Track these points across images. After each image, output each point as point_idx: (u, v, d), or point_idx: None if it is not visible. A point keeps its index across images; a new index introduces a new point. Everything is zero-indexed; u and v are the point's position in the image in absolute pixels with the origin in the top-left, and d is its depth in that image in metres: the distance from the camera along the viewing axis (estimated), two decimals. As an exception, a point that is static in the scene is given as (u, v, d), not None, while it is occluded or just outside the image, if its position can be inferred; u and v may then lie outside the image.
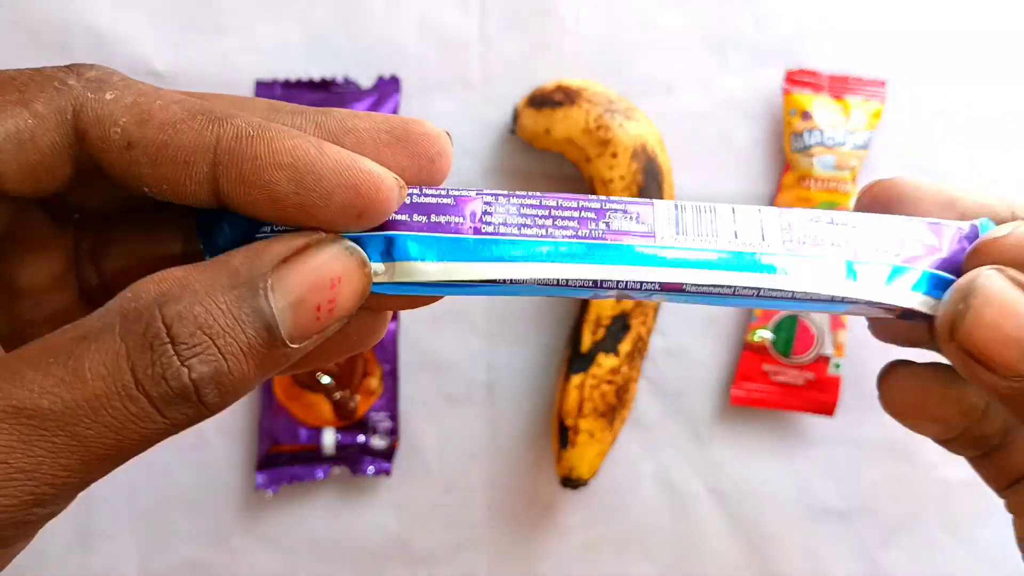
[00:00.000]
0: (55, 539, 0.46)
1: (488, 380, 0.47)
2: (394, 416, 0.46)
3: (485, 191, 0.20)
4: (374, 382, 0.46)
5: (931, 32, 0.48)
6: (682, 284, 0.20)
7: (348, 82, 0.45)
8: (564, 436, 0.44)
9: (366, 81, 0.46)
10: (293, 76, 0.45)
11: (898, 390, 0.22)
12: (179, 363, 0.16)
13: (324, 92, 0.45)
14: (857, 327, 0.47)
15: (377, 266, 0.19)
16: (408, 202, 0.19)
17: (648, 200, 0.21)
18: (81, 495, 0.49)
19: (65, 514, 0.50)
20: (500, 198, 0.20)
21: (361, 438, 0.46)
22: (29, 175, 0.17)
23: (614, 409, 0.45)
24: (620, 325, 0.44)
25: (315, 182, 0.17)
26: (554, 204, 0.20)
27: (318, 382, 0.45)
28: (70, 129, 0.17)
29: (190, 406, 0.16)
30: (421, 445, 0.47)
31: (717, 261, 0.20)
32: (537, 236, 0.20)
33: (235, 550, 0.47)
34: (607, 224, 0.20)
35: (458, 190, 0.20)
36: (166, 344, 0.16)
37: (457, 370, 0.47)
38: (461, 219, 0.20)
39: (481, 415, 0.47)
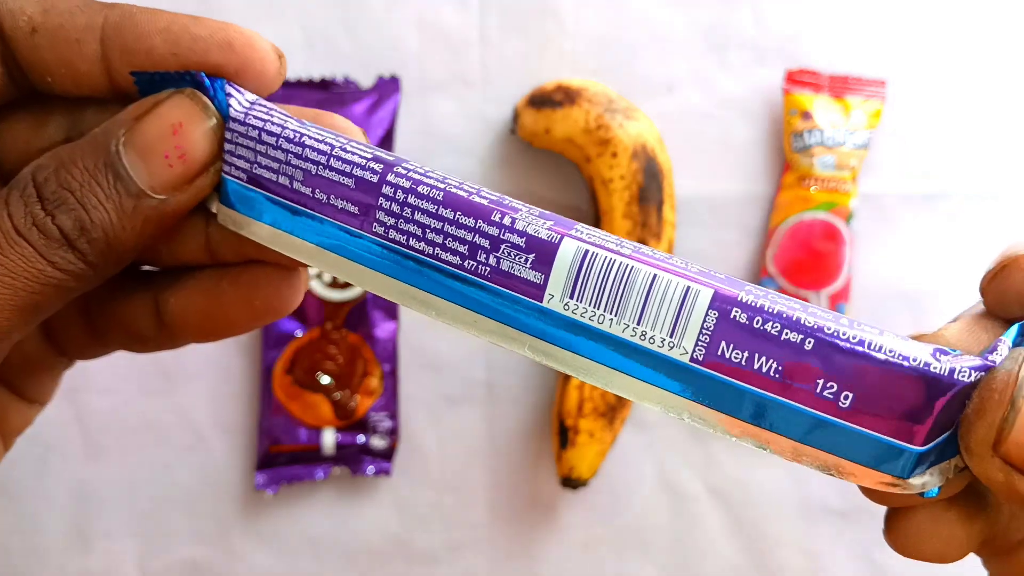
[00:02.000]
0: (55, 539, 0.46)
1: (488, 379, 0.47)
2: (394, 416, 0.46)
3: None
4: (374, 382, 0.46)
5: (931, 32, 0.48)
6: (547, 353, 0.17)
7: (348, 82, 0.45)
8: (564, 436, 0.44)
9: (366, 81, 0.46)
10: (293, 76, 0.45)
11: (911, 534, 0.19)
12: (43, 213, 0.18)
13: (324, 92, 0.45)
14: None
15: (217, 205, 0.20)
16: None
17: (557, 235, 0.17)
18: (81, 495, 0.49)
19: (65, 514, 0.50)
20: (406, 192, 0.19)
21: (361, 438, 0.46)
22: None
23: (614, 409, 0.45)
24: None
25: (191, 42, 0.19)
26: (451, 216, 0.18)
27: (318, 382, 0.45)
28: None
29: (68, 251, 0.19)
30: (421, 445, 0.47)
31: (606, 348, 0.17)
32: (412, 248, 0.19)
33: (235, 550, 0.47)
34: (495, 261, 0.18)
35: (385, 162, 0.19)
36: (35, 200, 0.18)
37: (457, 370, 0.47)
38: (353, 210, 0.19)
39: (481, 415, 0.47)
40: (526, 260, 0.17)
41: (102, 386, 0.46)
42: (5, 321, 0.18)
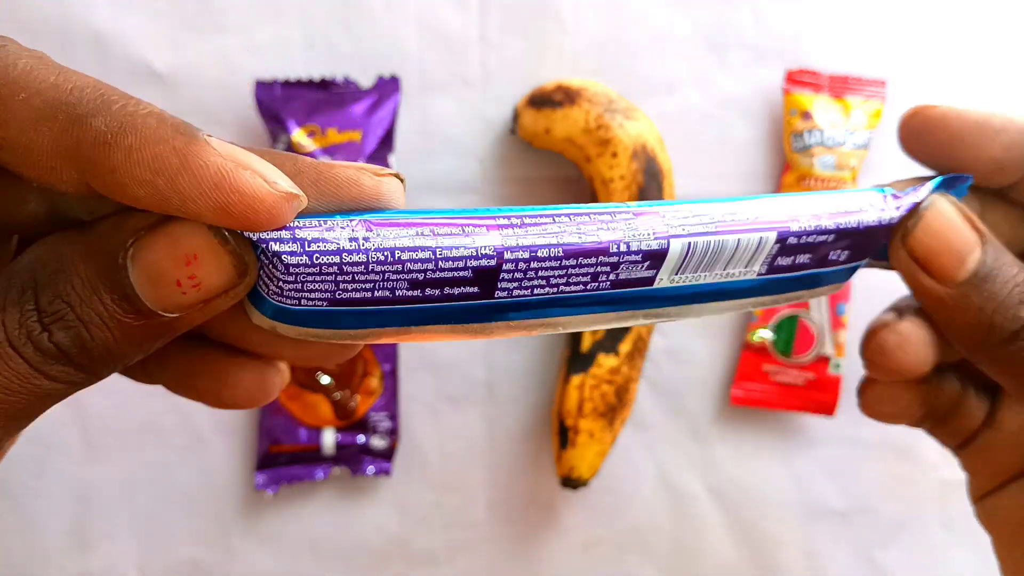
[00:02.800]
0: (55, 540, 0.46)
1: (488, 380, 0.47)
2: (394, 416, 0.46)
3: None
4: (374, 382, 0.46)
5: (931, 32, 0.48)
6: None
7: (348, 82, 0.45)
8: (564, 436, 0.44)
9: (366, 81, 0.46)
10: (293, 76, 0.45)
11: (876, 400, 0.26)
12: (39, 328, 0.17)
13: (324, 92, 0.45)
14: (858, 327, 0.47)
15: (259, 317, 0.19)
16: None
17: (664, 240, 0.20)
18: (80, 495, 0.49)
19: (65, 514, 0.50)
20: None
21: (361, 438, 0.46)
22: None
23: (614, 409, 0.45)
24: (620, 325, 0.44)
25: (180, 203, 0.16)
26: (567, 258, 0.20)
27: (318, 382, 0.45)
28: None
29: (65, 366, 0.17)
30: (421, 445, 0.47)
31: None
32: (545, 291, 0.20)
33: (235, 550, 0.47)
34: (615, 276, 0.20)
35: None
36: (32, 311, 0.17)
37: (457, 370, 0.47)
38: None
39: (481, 415, 0.47)
40: (641, 266, 0.20)
41: (102, 386, 0.45)
42: None
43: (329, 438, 0.45)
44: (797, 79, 0.46)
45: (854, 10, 0.47)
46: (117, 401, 0.46)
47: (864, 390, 0.27)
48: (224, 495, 0.47)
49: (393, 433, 0.46)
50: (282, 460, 0.46)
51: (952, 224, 0.22)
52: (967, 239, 0.22)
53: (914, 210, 0.22)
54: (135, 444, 0.46)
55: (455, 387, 0.47)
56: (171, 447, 0.46)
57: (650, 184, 0.43)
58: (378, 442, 0.46)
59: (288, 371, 0.22)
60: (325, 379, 0.45)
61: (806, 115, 0.46)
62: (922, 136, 0.24)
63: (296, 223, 0.18)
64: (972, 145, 0.23)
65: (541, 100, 0.44)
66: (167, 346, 0.20)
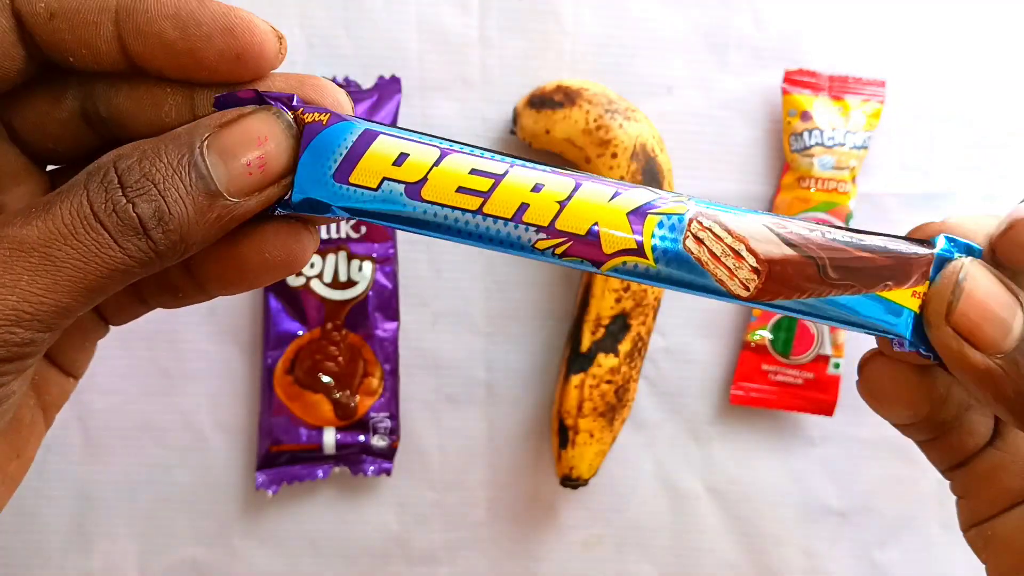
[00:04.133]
0: (55, 539, 0.46)
1: (488, 380, 0.47)
2: (394, 416, 0.46)
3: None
4: (374, 382, 0.46)
5: (931, 32, 0.48)
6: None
7: (348, 82, 0.45)
8: (564, 436, 0.44)
9: (366, 81, 0.46)
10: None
11: (876, 377, 0.24)
12: (125, 200, 0.19)
13: (324, 92, 0.45)
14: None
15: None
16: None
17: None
18: (81, 495, 0.49)
19: (65, 514, 0.50)
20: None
21: (361, 438, 0.46)
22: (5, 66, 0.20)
23: (614, 409, 0.45)
24: (620, 325, 0.44)
25: (196, 26, 0.20)
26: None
27: (319, 382, 0.45)
28: (10, 12, 0.20)
29: (140, 238, 0.19)
30: (421, 445, 0.47)
31: None
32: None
33: (235, 550, 0.47)
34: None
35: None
36: (117, 187, 0.19)
37: (457, 370, 0.47)
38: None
39: (481, 415, 0.48)
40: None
41: (102, 386, 0.46)
42: (71, 301, 0.19)
43: (330, 438, 0.45)
44: (796, 80, 0.46)
45: (853, 11, 0.47)
46: (117, 401, 0.46)
47: (865, 363, 0.25)
48: (224, 495, 0.47)
49: (393, 433, 0.46)
50: (283, 460, 0.46)
51: (993, 291, 0.21)
52: (1008, 304, 0.21)
53: (944, 279, 0.21)
54: (135, 444, 0.46)
55: (455, 387, 0.47)
56: (171, 447, 0.46)
57: (650, 184, 0.43)
58: (378, 442, 0.46)
59: (319, 235, 0.24)
60: (326, 379, 0.45)
61: (805, 116, 0.46)
62: None
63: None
64: None
65: (541, 101, 0.44)
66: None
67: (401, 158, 0.21)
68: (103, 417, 0.46)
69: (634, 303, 0.44)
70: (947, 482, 0.27)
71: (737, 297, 0.21)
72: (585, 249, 0.21)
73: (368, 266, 0.45)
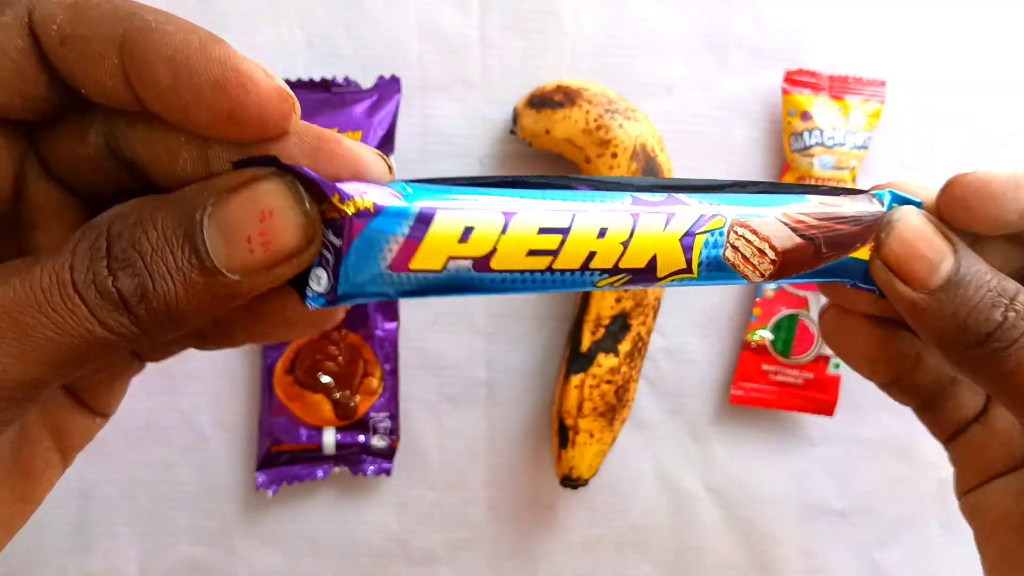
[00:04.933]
0: (55, 539, 0.46)
1: (488, 380, 0.47)
2: (394, 416, 0.46)
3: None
4: (374, 382, 0.46)
5: (931, 32, 0.48)
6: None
7: (348, 82, 0.45)
8: (564, 436, 0.44)
9: (366, 81, 0.46)
10: (293, 76, 0.45)
11: (835, 325, 0.27)
12: (107, 272, 0.17)
13: (324, 92, 0.45)
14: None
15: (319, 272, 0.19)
16: None
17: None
18: (81, 494, 0.49)
19: (65, 514, 0.50)
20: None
21: (361, 438, 0.46)
22: (9, 88, 0.19)
23: (614, 409, 0.45)
24: (620, 325, 0.44)
25: (188, 76, 0.18)
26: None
27: (319, 382, 0.45)
28: (27, 32, 0.18)
29: (122, 315, 0.18)
30: (421, 445, 0.47)
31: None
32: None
33: (235, 550, 0.47)
34: None
35: None
36: (102, 257, 0.18)
37: (457, 370, 0.47)
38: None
39: (481, 415, 0.48)
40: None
41: (103, 386, 0.46)
42: (40, 373, 0.18)
43: (329, 438, 0.45)
44: (796, 79, 0.46)
45: (854, 11, 0.47)
46: (118, 401, 0.46)
47: (823, 314, 0.28)
48: (225, 495, 0.47)
49: (393, 433, 0.46)
50: (283, 460, 0.46)
51: (923, 233, 0.23)
52: (939, 247, 0.23)
53: (882, 221, 0.24)
54: (136, 443, 0.46)
55: (455, 387, 0.47)
56: (172, 446, 0.46)
57: (650, 184, 0.43)
58: (378, 442, 0.46)
59: None
60: (326, 379, 0.45)
61: (806, 115, 0.46)
62: (965, 202, 0.24)
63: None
64: (1012, 201, 0.24)
65: (541, 101, 0.44)
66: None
67: (466, 233, 0.19)
68: (103, 417, 0.46)
69: (634, 303, 0.44)
70: (947, 482, 0.28)
71: (751, 281, 0.23)
72: (642, 278, 0.21)
73: (368, 266, 0.45)
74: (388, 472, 0.46)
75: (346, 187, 0.18)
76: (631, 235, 0.21)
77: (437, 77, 0.46)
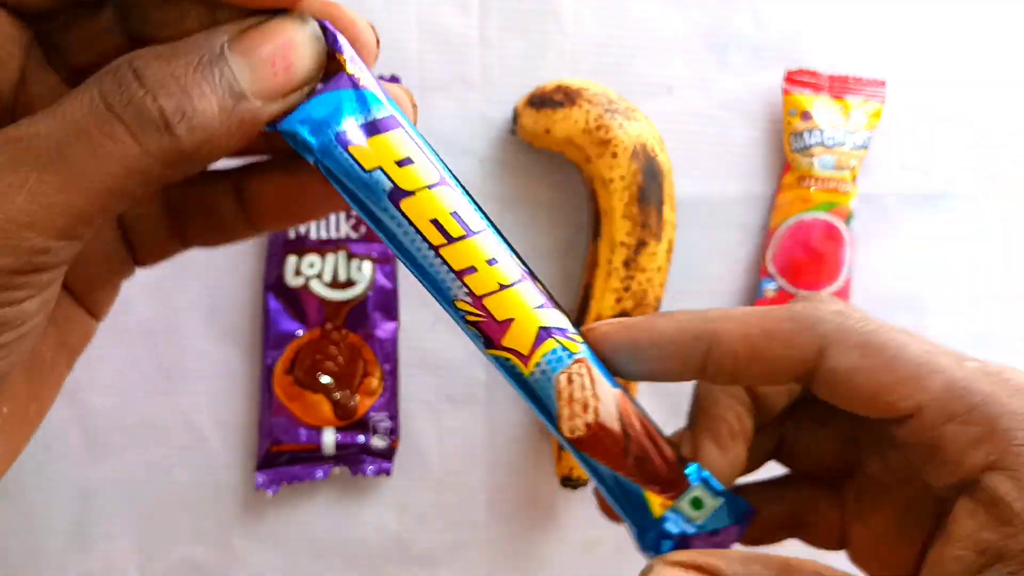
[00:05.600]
0: (55, 539, 0.46)
1: (488, 380, 0.47)
2: (394, 416, 0.46)
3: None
4: (374, 382, 0.46)
5: (931, 33, 0.48)
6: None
7: (348, 82, 0.45)
8: (564, 436, 0.44)
9: (366, 81, 0.46)
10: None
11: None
12: (144, 92, 0.17)
13: (324, 92, 0.45)
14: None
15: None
16: None
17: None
18: (81, 494, 0.49)
19: (65, 514, 0.50)
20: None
21: (361, 438, 0.46)
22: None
23: (614, 409, 0.45)
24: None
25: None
26: None
27: (318, 382, 0.45)
28: None
29: (162, 135, 0.18)
30: (421, 445, 0.47)
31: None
32: None
33: (235, 550, 0.47)
34: None
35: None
36: (133, 81, 0.18)
37: (457, 370, 0.47)
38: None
39: (481, 415, 0.48)
40: None
41: (102, 386, 0.46)
42: (87, 204, 0.17)
43: (329, 438, 0.45)
44: (797, 79, 0.46)
45: (854, 10, 0.47)
46: (117, 401, 0.46)
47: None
48: (224, 495, 0.47)
49: (393, 433, 0.46)
50: (282, 460, 0.46)
51: None
52: None
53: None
54: (135, 444, 0.46)
55: (455, 387, 0.47)
56: (171, 447, 0.46)
57: (650, 184, 0.43)
58: (378, 442, 0.46)
59: None
60: (325, 379, 0.45)
61: (806, 115, 0.46)
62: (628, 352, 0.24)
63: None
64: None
65: (541, 100, 0.44)
66: (265, 163, 0.21)
67: (405, 161, 0.21)
68: (103, 417, 0.46)
69: (634, 303, 0.44)
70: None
71: (561, 433, 0.23)
72: (490, 330, 0.22)
73: (368, 266, 0.45)
74: (388, 472, 0.46)
75: (351, 52, 0.21)
76: (510, 285, 0.22)
77: (437, 77, 0.46)
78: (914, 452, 0.22)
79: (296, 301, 0.45)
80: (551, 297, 0.22)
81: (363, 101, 0.20)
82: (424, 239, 0.21)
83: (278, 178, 0.22)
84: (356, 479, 0.47)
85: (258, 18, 0.20)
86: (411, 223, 0.21)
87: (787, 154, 0.47)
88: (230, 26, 0.19)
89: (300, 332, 0.45)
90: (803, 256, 0.46)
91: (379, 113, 0.21)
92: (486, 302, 0.21)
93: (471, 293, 0.21)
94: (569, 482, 0.45)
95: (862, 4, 0.47)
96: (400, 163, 0.21)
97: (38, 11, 0.20)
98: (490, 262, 0.21)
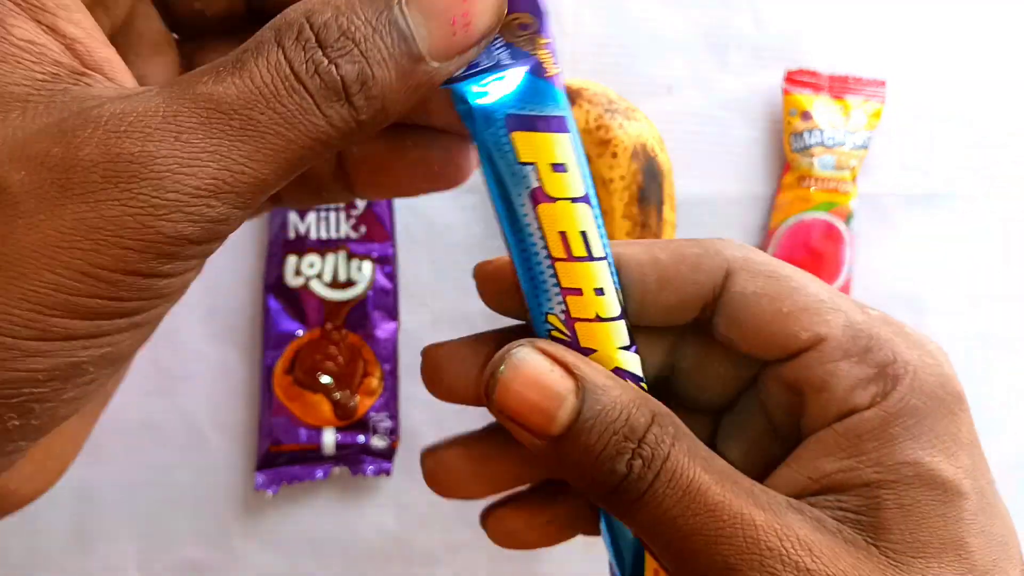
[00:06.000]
0: (55, 540, 0.46)
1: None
2: (394, 416, 0.46)
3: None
4: (374, 382, 0.46)
5: (931, 32, 0.48)
6: None
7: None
8: (564, 436, 0.44)
9: (366, 81, 0.46)
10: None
11: (441, 469, 0.25)
12: (327, 60, 0.17)
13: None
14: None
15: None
16: None
17: None
18: (80, 495, 0.49)
19: (65, 514, 0.50)
20: None
21: (361, 438, 0.46)
22: None
23: (614, 409, 0.44)
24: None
25: None
26: None
27: (318, 382, 0.45)
28: None
29: (343, 105, 0.17)
30: (421, 445, 0.47)
31: None
32: None
33: (235, 550, 0.47)
34: None
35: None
36: (315, 46, 0.17)
37: (457, 370, 0.47)
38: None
39: (481, 415, 0.47)
40: None
41: (102, 386, 0.46)
42: (270, 174, 0.17)
43: (329, 438, 0.45)
44: (797, 79, 0.46)
45: (854, 10, 0.47)
46: (117, 401, 0.46)
47: (430, 459, 0.27)
48: (224, 495, 0.47)
49: (393, 433, 0.46)
50: (282, 460, 0.46)
51: (533, 377, 0.20)
52: (554, 391, 0.20)
53: (491, 363, 0.21)
54: (136, 444, 0.46)
55: (455, 387, 0.47)
56: (171, 447, 0.46)
57: (650, 184, 0.43)
58: (378, 442, 0.46)
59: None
60: (325, 379, 0.45)
61: (806, 115, 0.46)
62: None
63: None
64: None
65: (541, 100, 0.44)
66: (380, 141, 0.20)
67: (560, 167, 0.20)
68: (103, 417, 0.46)
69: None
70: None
71: None
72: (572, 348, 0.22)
73: (368, 266, 0.45)
74: (388, 472, 0.46)
75: (552, 38, 0.20)
76: (606, 320, 0.21)
77: (437, 77, 0.46)
78: (793, 390, 0.21)
79: (296, 301, 0.45)
80: (635, 346, 0.22)
81: (545, 94, 0.20)
82: (546, 247, 0.20)
83: (383, 148, 0.21)
84: (356, 479, 0.47)
85: None
86: (540, 228, 0.20)
87: (787, 154, 0.47)
88: None
89: (300, 332, 0.45)
90: (803, 256, 0.46)
91: (554, 111, 0.20)
92: (577, 326, 0.21)
93: (567, 312, 0.21)
94: (569, 482, 0.45)
95: (862, 4, 0.47)
96: (555, 167, 0.20)
97: None
98: (597, 291, 0.21)
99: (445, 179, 0.22)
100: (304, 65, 0.17)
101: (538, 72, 0.20)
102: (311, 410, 0.45)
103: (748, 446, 0.24)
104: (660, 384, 0.24)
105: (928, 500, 0.19)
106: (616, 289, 0.21)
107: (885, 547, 0.19)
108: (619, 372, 0.21)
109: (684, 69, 0.47)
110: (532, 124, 0.20)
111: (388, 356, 0.46)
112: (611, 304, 0.21)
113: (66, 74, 0.17)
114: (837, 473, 0.20)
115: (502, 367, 0.20)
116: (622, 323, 0.21)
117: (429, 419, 0.47)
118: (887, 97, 0.47)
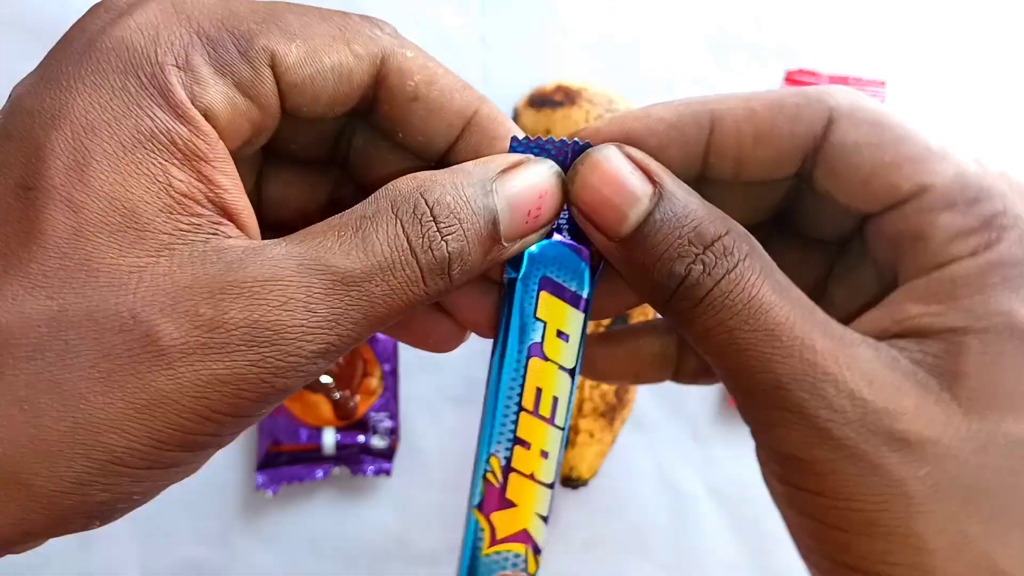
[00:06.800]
0: (55, 540, 0.46)
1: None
2: (394, 416, 0.46)
3: None
4: (374, 382, 0.46)
5: (931, 33, 0.48)
6: None
7: (348, 82, 0.45)
8: (564, 436, 0.45)
9: (366, 81, 0.46)
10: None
11: (599, 362, 0.26)
12: (440, 237, 0.19)
13: (324, 92, 0.45)
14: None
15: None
16: None
17: None
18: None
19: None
20: None
21: (361, 438, 0.46)
22: (337, 102, 0.21)
23: (614, 409, 0.45)
24: (620, 324, 0.44)
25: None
26: None
27: (318, 382, 0.45)
28: (376, 72, 0.21)
29: (443, 279, 0.19)
30: (421, 445, 0.47)
31: None
32: None
33: (235, 550, 0.47)
34: None
35: None
36: (431, 222, 0.19)
37: (457, 370, 0.47)
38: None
39: (479, 415, 0.47)
40: None
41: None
42: (366, 332, 0.19)
43: (329, 438, 0.45)
44: (797, 79, 0.46)
45: (854, 11, 0.47)
46: (117, 401, 0.46)
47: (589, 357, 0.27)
48: (225, 495, 0.47)
49: (393, 433, 0.46)
50: (282, 460, 0.46)
51: (611, 176, 0.20)
52: (629, 192, 0.20)
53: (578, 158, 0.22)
54: (135, 444, 0.46)
55: (455, 387, 0.47)
56: (171, 447, 0.46)
57: (650, 184, 0.43)
58: (378, 442, 0.46)
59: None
60: (325, 379, 0.45)
61: (806, 115, 0.46)
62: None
63: None
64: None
65: (541, 100, 0.44)
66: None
67: (564, 336, 0.22)
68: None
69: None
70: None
71: None
72: (491, 497, 0.24)
73: (368, 266, 0.46)
74: (388, 472, 0.46)
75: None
76: (539, 483, 0.23)
77: (437, 77, 0.46)
78: (894, 241, 0.21)
79: (296, 301, 0.45)
80: (548, 520, 0.23)
81: (581, 277, 0.22)
82: (520, 395, 0.22)
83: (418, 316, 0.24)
84: (356, 479, 0.47)
85: (520, 156, 0.21)
86: (524, 376, 0.22)
87: (787, 154, 0.47)
88: (498, 160, 0.21)
89: (300, 332, 0.45)
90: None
91: (581, 291, 0.22)
92: (511, 476, 0.22)
93: (509, 460, 0.22)
94: (569, 482, 0.45)
95: (862, 4, 0.47)
96: (559, 334, 0.22)
97: (312, 118, 0.21)
98: (543, 453, 0.22)
99: (437, 347, 0.24)
100: (421, 240, 0.19)
101: (584, 257, 0.22)
102: (311, 410, 0.45)
103: (852, 292, 0.23)
104: (782, 216, 0.24)
105: (1016, 353, 0.18)
106: (558, 464, 0.23)
107: (960, 395, 0.18)
108: (525, 536, 0.23)
109: (684, 69, 0.47)
110: (560, 292, 0.22)
111: (388, 356, 0.46)
112: (550, 471, 0.23)
113: (206, 224, 0.18)
114: (923, 316, 0.19)
115: (583, 161, 0.21)
116: (550, 493, 0.23)
117: (429, 419, 0.47)
118: (887, 97, 0.47)
